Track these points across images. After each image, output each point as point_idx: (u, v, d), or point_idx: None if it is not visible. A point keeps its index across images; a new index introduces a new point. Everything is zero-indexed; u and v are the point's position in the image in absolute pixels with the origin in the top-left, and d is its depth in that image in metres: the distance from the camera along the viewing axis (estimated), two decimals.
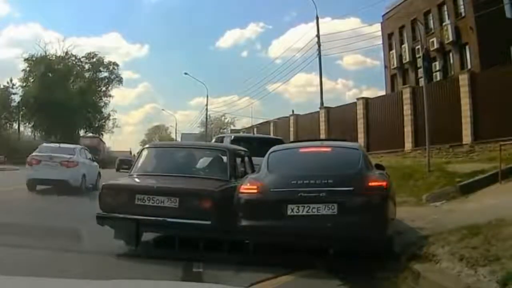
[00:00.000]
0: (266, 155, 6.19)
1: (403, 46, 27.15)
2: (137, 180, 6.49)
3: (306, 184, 5.31)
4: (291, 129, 25.79)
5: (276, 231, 5.26)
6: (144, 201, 5.71)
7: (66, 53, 47.13)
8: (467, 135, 15.32)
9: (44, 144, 16.19)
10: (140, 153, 7.32)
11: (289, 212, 5.22)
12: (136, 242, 5.82)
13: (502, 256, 4.24)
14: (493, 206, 7.43)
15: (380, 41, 30.10)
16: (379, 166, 6.33)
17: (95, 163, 16.09)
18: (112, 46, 78.17)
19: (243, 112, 57.35)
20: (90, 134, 45.84)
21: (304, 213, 5.19)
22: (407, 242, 5.77)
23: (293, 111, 27.43)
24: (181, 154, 7.25)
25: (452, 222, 6.47)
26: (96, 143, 40.44)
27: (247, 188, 5.60)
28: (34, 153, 13.97)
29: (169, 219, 5.53)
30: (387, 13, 29.49)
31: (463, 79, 15.76)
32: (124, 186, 6.30)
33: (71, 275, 3.61)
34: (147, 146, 8.10)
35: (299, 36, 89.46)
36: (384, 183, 5.48)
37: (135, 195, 5.76)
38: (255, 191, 5.54)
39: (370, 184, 5.36)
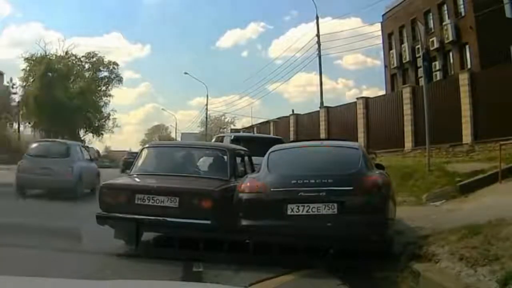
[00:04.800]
0: (266, 155, 6.18)
1: (403, 45, 27.18)
2: (137, 179, 6.49)
3: (306, 184, 5.31)
4: (291, 128, 25.76)
5: (276, 231, 5.26)
6: (144, 200, 5.70)
7: (66, 52, 47.06)
8: (467, 135, 15.31)
9: None
10: (140, 152, 7.32)
11: (289, 212, 5.22)
12: (136, 242, 5.83)
13: (502, 256, 4.23)
14: (492, 205, 7.43)
15: (380, 41, 30.17)
16: (379, 166, 6.33)
17: None
18: (114, 46, 78.16)
19: (243, 111, 57.49)
20: None
21: (304, 212, 5.18)
22: (406, 242, 5.77)
23: (293, 110, 27.33)
24: (181, 153, 7.24)
25: (451, 221, 6.47)
26: None
27: (247, 187, 5.60)
28: None
29: (169, 219, 5.53)
30: (387, 12, 29.50)
31: (463, 79, 15.75)
32: (124, 185, 6.30)
33: (71, 275, 3.61)
34: (147, 145, 8.07)
35: (300, 36, 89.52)
36: (384, 183, 5.48)
37: (135, 195, 5.75)
38: (255, 190, 5.54)
39: (370, 183, 5.35)
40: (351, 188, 5.26)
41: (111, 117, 51.60)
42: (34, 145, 13.50)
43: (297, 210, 5.20)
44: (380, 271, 4.98)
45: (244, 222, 5.39)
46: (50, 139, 19.12)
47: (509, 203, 6.93)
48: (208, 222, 5.44)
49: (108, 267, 5.10)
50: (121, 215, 5.73)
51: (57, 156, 12.11)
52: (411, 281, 4.63)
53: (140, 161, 6.81)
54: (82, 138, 47.07)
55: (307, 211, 5.18)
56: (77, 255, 5.38)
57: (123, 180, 6.80)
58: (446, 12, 24.25)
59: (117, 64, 51.57)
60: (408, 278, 4.70)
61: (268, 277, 4.79)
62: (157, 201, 5.67)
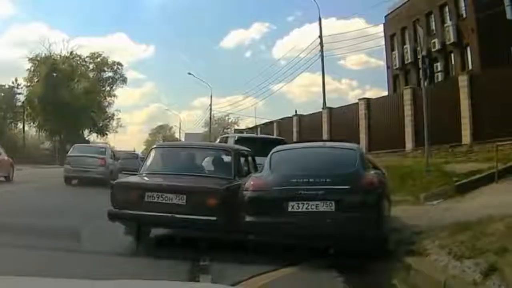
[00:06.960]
0: (269, 155, 6.47)
1: (405, 46, 27.36)
2: (146, 178, 6.80)
3: (306, 183, 5.60)
4: (294, 129, 25.90)
5: (278, 227, 5.55)
6: (153, 198, 5.98)
7: (71, 53, 47.30)
8: (466, 136, 15.51)
9: None
10: (148, 153, 7.65)
11: (289, 209, 5.51)
12: (145, 238, 6.14)
13: (487, 250, 4.53)
14: (488, 204, 7.64)
15: (383, 42, 30.37)
16: (374, 167, 6.64)
17: None
18: (118, 47, 78.52)
19: (247, 112, 57.71)
20: None
21: (304, 209, 5.47)
22: (401, 238, 6.06)
23: (296, 111, 27.38)
24: (188, 154, 7.57)
25: (446, 219, 6.74)
26: None
27: (251, 186, 5.91)
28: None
29: (177, 216, 5.80)
30: (389, 14, 29.70)
31: (463, 80, 15.96)
32: (135, 184, 6.62)
33: (72, 275, 3.55)
34: (155, 146, 8.34)
35: (304, 36, 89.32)
36: (379, 182, 5.79)
37: (145, 193, 6.04)
38: (258, 189, 5.85)
39: (366, 183, 5.65)
40: (348, 187, 5.56)
41: (115, 117, 52.11)
42: (123, 154, 30.51)
43: (297, 207, 5.50)
44: (375, 265, 5.23)
45: (248, 219, 5.70)
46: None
47: (504, 202, 7.17)
48: (214, 218, 5.72)
49: (113, 264, 5.20)
50: (131, 212, 5.99)
51: (131, 157, 29.00)
52: (403, 273, 4.93)
53: (149, 161, 7.12)
54: (87, 138, 47.41)
55: (306, 208, 5.48)
56: (78, 254, 5.36)
57: (134, 179, 7.11)
58: (447, 13, 24.43)
59: (121, 65, 52.00)
60: (401, 271, 5.00)
61: (270, 269, 5.06)
62: (166, 199, 5.95)
